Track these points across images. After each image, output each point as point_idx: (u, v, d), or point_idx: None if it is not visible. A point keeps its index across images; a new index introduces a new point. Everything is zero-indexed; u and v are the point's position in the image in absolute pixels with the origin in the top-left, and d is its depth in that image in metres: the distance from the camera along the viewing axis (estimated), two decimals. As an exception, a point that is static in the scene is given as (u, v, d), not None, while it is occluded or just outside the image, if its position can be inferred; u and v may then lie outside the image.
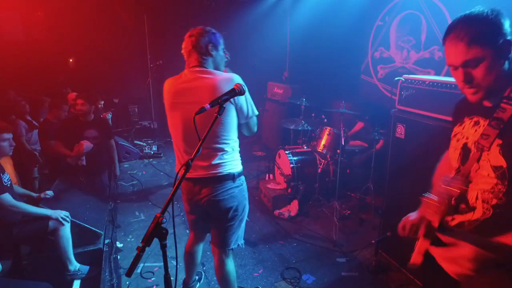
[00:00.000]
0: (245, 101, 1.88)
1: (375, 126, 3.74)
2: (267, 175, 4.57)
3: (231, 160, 1.95)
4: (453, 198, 1.25)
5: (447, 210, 1.27)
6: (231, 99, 1.77)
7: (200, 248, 2.35)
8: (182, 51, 1.93)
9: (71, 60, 7.33)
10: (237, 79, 1.82)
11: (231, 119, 1.86)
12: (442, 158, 1.56)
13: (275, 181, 4.33)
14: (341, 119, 3.77)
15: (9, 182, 2.60)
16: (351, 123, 4.47)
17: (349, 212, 3.77)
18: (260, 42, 6.56)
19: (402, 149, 2.54)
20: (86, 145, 3.53)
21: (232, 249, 2.08)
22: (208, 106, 1.46)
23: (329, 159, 4.07)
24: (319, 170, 4.00)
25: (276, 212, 3.81)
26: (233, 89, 1.59)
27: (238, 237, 2.07)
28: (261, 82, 6.21)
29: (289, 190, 4.00)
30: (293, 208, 3.82)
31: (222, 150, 1.89)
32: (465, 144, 1.25)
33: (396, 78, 2.57)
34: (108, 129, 3.91)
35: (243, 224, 2.08)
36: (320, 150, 4.12)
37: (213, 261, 2.44)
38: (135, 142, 6.28)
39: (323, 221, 3.67)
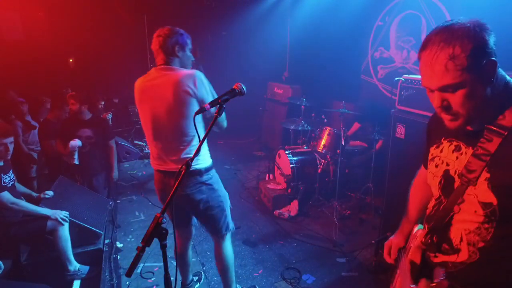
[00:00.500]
0: (207, 93, 1.90)
1: (375, 126, 3.74)
2: (267, 175, 4.57)
3: (199, 155, 1.96)
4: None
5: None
6: (191, 91, 1.85)
7: (189, 247, 2.38)
8: (151, 47, 1.99)
9: (71, 60, 7.34)
10: (198, 74, 1.89)
11: (193, 113, 1.69)
12: (418, 174, 1.45)
13: (275, 181, 4.33)
14: (341, 119, 3.77)
15: (11, 183, 2.60)
16: (351, 124, 4.47)
17: (349, 212, 3.76)
18: (260, 42, 6.57)
19: (402, 149, 2.54)
20: (72, 143, 3.40)
21: (225, 233, 2.16)
22: (208, 106, 1.46)
23: (329, 159, 4.07)
24: (319, 170, 4.00)
25: (276, 212, 3.81)
26: (233, 89, 1.56)
27: (228, 223, 2.15)
28: (261, 82, 6.22)
29: (289, 190, 4.00)
30: (293, 208, 3.82)
31: (189, 144, 1.94)
32: (446, 172, 1.11)
33: (396, 78, 2.56)
34: (105, 129, 3.77)
35: (227, 212, 2.14)
36: (320, 150, 4.12)
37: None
38: (135, 142, 6.28)
39: (323, 221, 3.67)
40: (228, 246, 2.20)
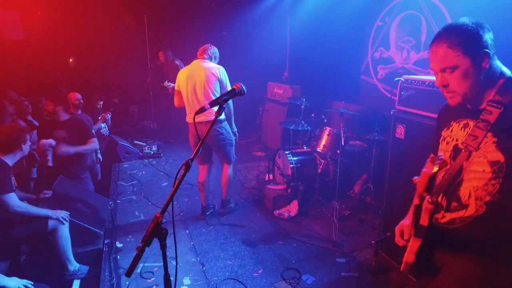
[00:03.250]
0: (225, 78, 3.39)
1: (375, 127, 3.74)
2: (267, 175, 4.57)
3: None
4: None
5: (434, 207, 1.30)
6: (216, 75, 3.30)
7: (208, 178, 3.68)
8: (200, 49, 3.48)
9: (71, 60, 7.33)
10: (222, 67, 3.38)
11: (216, 87, 3.36)
12: (428, 161, 1.57)
13: (275, 181, 4.33)
14: (341, 119, 3.77)
15: (14, 185, 2.60)
16: (351, 124, 4.47)
17: (349, 212, 3.76)
18: (260, 42, 6.56)
19: (402, 149, 2.54)
20: (43, 140, 3.33)
21: (232, 161, 3.65)
22: (208, 106, 1.56)
23: (329, 159, 4.07)
24: (319, 170, 4.00)
25: (276, 212, 3.80)
26: (233, 89, 1.65)
27: (233, 155, 3.64)
28: (261, 82, 6.22)
29: (289, 190, 3.99)
30: (293, 208, 3.82)
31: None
32: (455, 146, 1.30)
33: (396, 79, 2.57)
34: (82, 131, 3.62)
35: (233, 147, 3.60)
36: (320, 150, 4.11)
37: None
38: (135, 142, 6.27)
39: (323, 221, 3.67)
40: (231, 170, 3.67)
